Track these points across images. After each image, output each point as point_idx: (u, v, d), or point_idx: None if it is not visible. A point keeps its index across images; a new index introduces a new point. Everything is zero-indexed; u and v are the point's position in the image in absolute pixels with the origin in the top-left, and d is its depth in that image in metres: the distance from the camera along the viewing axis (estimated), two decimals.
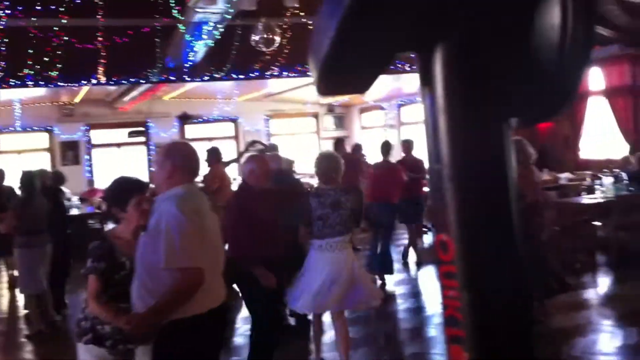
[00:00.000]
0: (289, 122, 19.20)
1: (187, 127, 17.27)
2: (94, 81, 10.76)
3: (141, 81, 11.50)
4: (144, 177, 10.67)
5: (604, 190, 8.93)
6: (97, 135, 16.84)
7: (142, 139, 16.95)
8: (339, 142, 11.72)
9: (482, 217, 0.67)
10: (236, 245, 4.96)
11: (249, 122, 18.11)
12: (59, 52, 9.77)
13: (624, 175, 8.97)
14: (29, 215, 7.10)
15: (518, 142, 5.70)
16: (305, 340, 6.26)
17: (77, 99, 15.31)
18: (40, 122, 15.91)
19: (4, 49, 9.50)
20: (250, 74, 11.66)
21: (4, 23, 9.22)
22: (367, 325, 6.72)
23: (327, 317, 5.64)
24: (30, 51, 9.65)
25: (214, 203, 8.07)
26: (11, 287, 9.67)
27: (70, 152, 16.34)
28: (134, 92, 13.78)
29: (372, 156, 11.40)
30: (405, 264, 9.68)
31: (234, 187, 8.17)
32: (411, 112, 17.16)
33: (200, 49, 10.57)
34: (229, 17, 9.51)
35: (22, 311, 8.10)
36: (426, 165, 3.27)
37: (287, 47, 10.27)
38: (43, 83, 10.38)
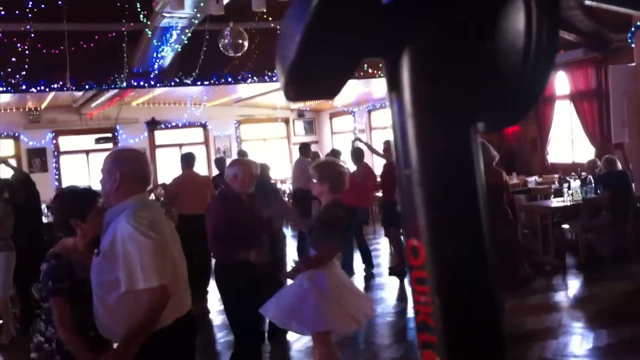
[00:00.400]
0: (259, 127, 19.17)
1: (157, 133, 17.16)
2: (60, 86, 10.64)
3: (108, 86, 11.40)
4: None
5: (571, 193, 9.06)
6: (65, 142, 16.65)
7: (110, 145, 16.73)
8: (304, 147, 11.51)
9: (452, 222, 0.68)
10: (219, 247, 4.84)
11: (218, 127, 18.04)
12: (25, 58, 9.64)
13: (591, 178, 9.12)
14: None
15: (481, 145, 5.75)
16: (282, 344, 6.28)
17: (44, 105, 15.12)
18: (6, 129, 15.67)
19: None
20: (219, 79, 11.62)
21: None
22: None
23: None
24: None
25: (171, 213, 8.06)
26: None
27: (37, 159, 16.13)
28: (102, 97, 13.64)
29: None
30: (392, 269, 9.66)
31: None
32: (381, 117, 17.27)
33: (167, 54, 10.51)
34: (197, 21, 9.47)
35: None
36: None
37: (256, 52, 10.26)
38: (8, 89, 10.23)
